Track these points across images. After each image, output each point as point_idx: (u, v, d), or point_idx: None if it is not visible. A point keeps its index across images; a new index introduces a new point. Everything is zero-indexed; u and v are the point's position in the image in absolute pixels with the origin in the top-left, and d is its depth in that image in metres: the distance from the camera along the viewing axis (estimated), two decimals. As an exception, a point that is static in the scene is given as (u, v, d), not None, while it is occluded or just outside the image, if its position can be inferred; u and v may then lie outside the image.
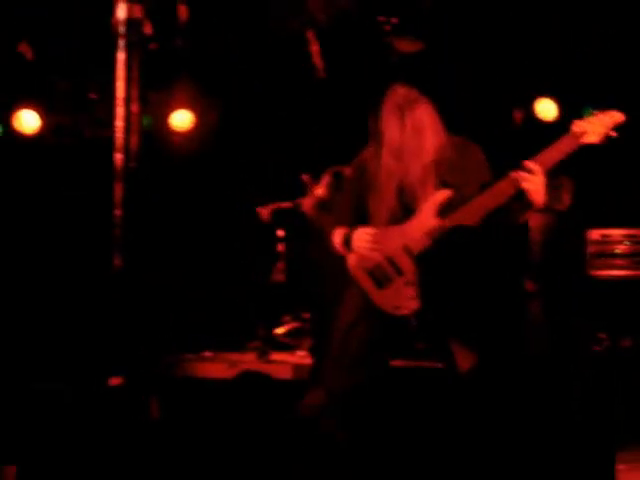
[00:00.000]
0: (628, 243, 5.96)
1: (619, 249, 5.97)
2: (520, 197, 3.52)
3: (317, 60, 6.39)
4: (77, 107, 7.36)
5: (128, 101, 2.73)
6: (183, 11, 5.93)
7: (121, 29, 2.81)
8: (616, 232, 6.02)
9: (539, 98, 7.12)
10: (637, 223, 6.13)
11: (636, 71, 6.61)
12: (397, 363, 4.86)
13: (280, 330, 6.45)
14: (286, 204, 6.13)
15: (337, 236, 3.77)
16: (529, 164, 3.46)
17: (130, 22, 2.80)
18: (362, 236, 3.64)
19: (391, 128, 3.61)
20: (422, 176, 3.59)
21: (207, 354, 6.28)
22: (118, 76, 2.77)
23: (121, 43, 2.81)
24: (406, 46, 6.37)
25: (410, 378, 5.34)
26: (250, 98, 7.27)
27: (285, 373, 5.77)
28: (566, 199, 6.37)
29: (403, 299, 3.63)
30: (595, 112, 3.53)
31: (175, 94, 7.07)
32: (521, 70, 7.03)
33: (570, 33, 6.83)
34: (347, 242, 3.71)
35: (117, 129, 2.76)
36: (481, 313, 3.81)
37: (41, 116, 7.25)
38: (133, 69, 2.81)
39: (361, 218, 3.80)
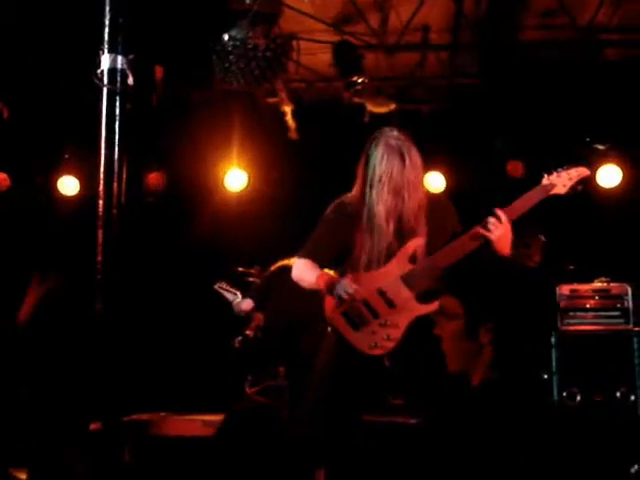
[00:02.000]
0: (597, 298, 6.05)
1: (589, 304, 6.06)
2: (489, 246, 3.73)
3: (290, 120, 6.50)
4: (52, 167, 7.44)
5: (111, 148, 2.78)
6: (159, 71, 6.02)
7: (105, 79, 2.86)
8: (585, 287, 6.12)
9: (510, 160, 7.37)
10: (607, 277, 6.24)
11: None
12: (371, 418, 4.90)
13: (253, 389, 6.44)
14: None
15: (321, 280, 3.83)
16: (498, 211, 3.66)
17: (114, 72, 2.85)
18: (347, 284, 3.72)
19: (393, 167, 3.73)
20: (416, 211, 3.73)
21: (182, 414, 6.24)
22: (101, 124, 2.82)
23: (104, 93, 2.86)
24: (377, 107, 6.52)
25: (384, 433, 5.37)
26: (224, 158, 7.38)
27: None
28: (536, 257, 6.50)
29: (378, 339, 3.72)
30: (564, 168, 3.79)
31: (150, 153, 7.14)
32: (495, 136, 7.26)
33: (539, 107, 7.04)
34: (331, 289, 3.78)
35: (100, 176, 2.80)
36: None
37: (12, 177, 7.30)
38: (115, 118, 2.86)
39: (337, 257, 3.91)
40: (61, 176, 7.49)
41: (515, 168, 7.76)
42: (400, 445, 5.16)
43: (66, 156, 7.39)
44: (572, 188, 3.79)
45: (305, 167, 7.18)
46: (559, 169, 3.82)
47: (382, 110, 6.52)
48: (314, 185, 6.88)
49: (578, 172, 3.82)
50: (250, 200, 7.49)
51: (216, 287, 6.34)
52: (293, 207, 7.14)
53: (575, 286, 6.12)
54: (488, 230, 3.68)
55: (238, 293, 6.26)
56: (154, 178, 7.74)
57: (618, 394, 5.71)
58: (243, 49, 4.74)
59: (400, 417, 5.32)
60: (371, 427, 4.96)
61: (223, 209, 7.55)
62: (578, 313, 6.02)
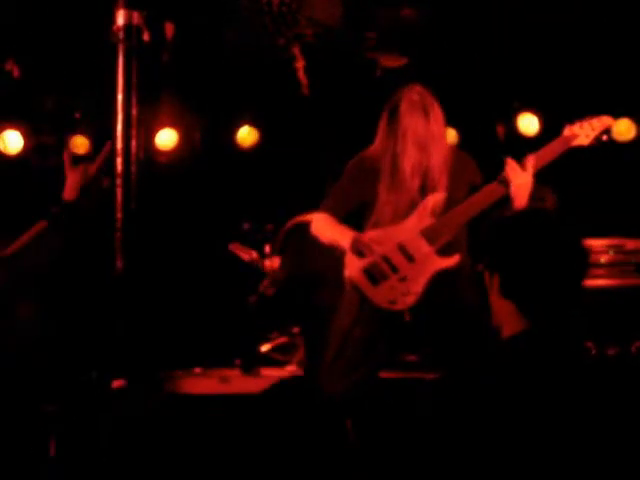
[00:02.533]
0: (612, 253, 6.04)
1: (603, 259, 6.04)
2: (501, 203, 3.73)
3: (302, 76, 6.46)
4: (62, 127, 7.39)
5: (129, 105, 2.76)
6: (169, 28, 5.98)
7: (121, 35, 2.84)
8: (598, 242, 6.10)
9: (521, 113, 7.24)
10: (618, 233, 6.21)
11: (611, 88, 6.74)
12: (387, 375, 4.91)
13: (266, 346, 6.46)
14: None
15: (342, 237, 3.82)
16: (526, 159, 3.64)
17: (130, 28, 2.83)
18: (369, 241, 3.72)
19: (417, 122, 3.75)
20: (441, 165, 3.74)
21: (197, 370, 6.25)
22: (119, 81, 2.81)
23: (121, 49, 2.84)
24: (390, 61, 6.46)
25: (399, 389, 5.39)
26: (235, 116, 7.34)
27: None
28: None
29: (398, 295, 3.71)
30: (586, 118, 3.72)
31: (160, 112, 7.09)
32: (504, 85, 7.14)
33: (551, 50, 6.93)
34: (352, 246, 3.77)
35: (117, 133, 2.79)
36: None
37: (25, 136, 7.26)
38: (132, 75, 2.85)
39: (358, 212, 3.93)
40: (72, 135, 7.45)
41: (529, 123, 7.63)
42: (415, 401, 5.18)
43: (77, 115, 7.34)
44: (596, 139, 3.74)
45: (317, 123, 7.14)
46: (581, 119, 3.76)
47: (394, 64, 6.47)
48: (326, 141, 6.85)
49: (601, 122, 3.77)
50: (262, 158, 7.46)
51: (231, 247, 6.35)
52: (306, 164, 7.11)
53: (589, 241, 6.10)
54: (507, 178, 3.66)
55: (253, 252, 6.27)
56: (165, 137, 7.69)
57: (634, 349, 5.72)
58: (257, 4, 4.70)
59: (416, 373, 5.34)
60: (387, 383, 4.99)
61: (235, 167, 7.53)
62: (592, 268, 6.02)
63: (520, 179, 3.66)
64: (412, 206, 3.78)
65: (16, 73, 6.59)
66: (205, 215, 7.38)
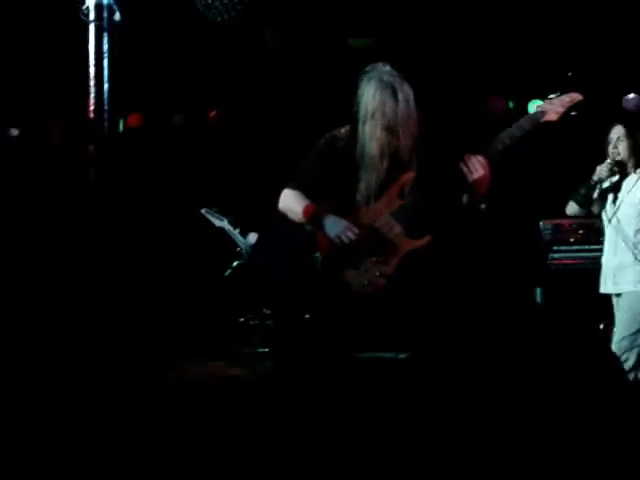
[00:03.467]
0: (582, 231, 6.11)
1: (573, 237, 6.11)
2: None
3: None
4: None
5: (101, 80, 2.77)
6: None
7: (91, 15, 2.84)
8: (568, 221, 6.16)
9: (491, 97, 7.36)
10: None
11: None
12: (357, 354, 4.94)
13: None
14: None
15: (307, 212, 3.81)
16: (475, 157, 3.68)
17: (100, 7, 2.83)
18: (343, 228, 3.71)
19: (385, 104, 3.68)
20: (410, 147, 3.72)
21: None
22: (90, 60, 2.81)
23: (92, 28, 2.84)
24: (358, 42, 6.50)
25: (370, 368, 5.43)
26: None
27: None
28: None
29: (370, 276, 3.71)
30: (556, 95, 3.76)
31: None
32: (475, 69, 7.22)
33: (519, 35, 7.00)
34: (318, 221, 3.75)
35: (90, 111, 2.79)
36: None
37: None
38: (103, 55, 2.85)
39: (327, 191, 3.88)
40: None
41: (497, 104, 7.73)
42: (387, 381, 5.21)
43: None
44: (564, 114, 3.75)
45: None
46: (550, 96, 3.79)
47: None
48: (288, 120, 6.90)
49: (571, 97, 3.78)
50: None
51: (203, 211, 6.31)
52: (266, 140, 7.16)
53: (559, 221, 6.16)
54: (469, 171, 3.68)
55: (225, 219, 6.25)
56: (134, 118, 7.76)
57: (601, 326, 5.79)
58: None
59: (386, 352, 5.38)
60: (358, 362, 5.01)
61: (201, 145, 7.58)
62: (562, 247, 6.09)
63: (477, 174, 3.66)
64: (382, 187, 3.75)
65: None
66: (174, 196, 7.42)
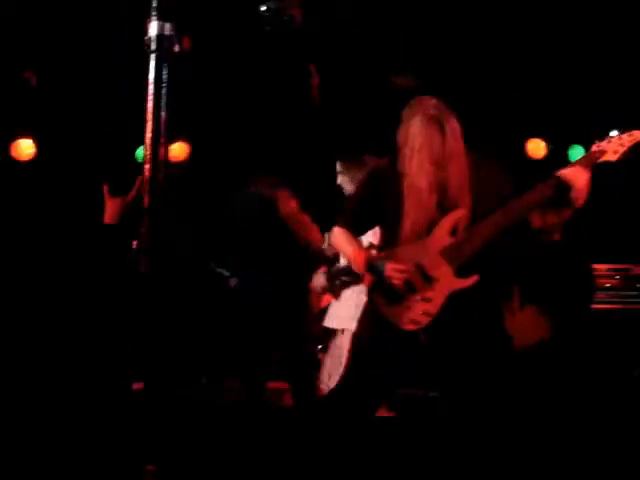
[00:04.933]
0: (618, 277, 6.09)
1: (609, 283, 6.09)
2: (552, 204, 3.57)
3: (315, 93, 6.54)
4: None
5: (158, 113, 2.82)
6: (186, 41, 6.06)
7: (152, 46, 2.90)
8: (604, 266, 6.15)
9: (530, 138, 7.35)
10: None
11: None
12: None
13: None
14: None
15: (359, 259, 3.81)
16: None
17: (161, 38, 2.89)
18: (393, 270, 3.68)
19: (432, 137, 3.65)
20: (460, 182, 3.65)
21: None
22: (149, 90, 2.87)
23: (152, 59, 2.90)
24: (403, 82, 6.54)
25: (401, 405, 5.42)
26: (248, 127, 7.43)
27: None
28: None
29: (414, 315, 3.68)
30: (616, 134, 3.63)
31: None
32: (512, 111, 7.23)
33: (558, 77, 7.01)
34: (373, 268, 3.76)
35: (147, 141, 2.85)
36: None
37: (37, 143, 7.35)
38: (161, 83, 2.91)
39: (367, 224, 3.97)
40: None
41: (536, 147, 7.68)
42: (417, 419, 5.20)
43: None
44: (624, 154, 3.59)
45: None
46: (610, 135, 3.64)
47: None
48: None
49: (632, 136, 3.62)
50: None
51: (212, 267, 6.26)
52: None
53: (595, 265, 6.16)
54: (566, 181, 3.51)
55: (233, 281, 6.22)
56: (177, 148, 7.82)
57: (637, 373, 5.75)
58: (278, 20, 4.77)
59: (418, 390, 5.37)
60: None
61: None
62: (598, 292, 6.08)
63: (582, 180, 3.51)
64: (431, 224, 3.70)
65: (34, 82, 6.66)
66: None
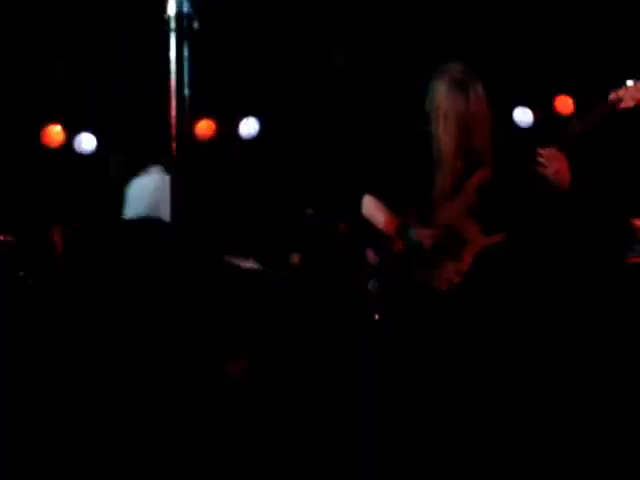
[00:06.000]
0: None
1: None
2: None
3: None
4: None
5: (181, 88, 2.82)
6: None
7: (172, 24, 2.90)
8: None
9: (558, 95, 7.29)
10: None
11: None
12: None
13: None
14: None
15: (390, 225, 3.87)
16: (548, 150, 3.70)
17: (181, 16, 2.89)
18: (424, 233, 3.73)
19: (458, 102, 3.76)
20: (486, 143, 3.75)
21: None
22: (171, 68, 2.87)
23: (172, 38, 2.90)
24: None
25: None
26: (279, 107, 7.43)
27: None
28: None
29: (447, 274, 3.78)
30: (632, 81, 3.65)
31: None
32: (540, 69, 7.17)
33: (585, 34, 6.94)
34: (403, 234, 3.81)
35: (172, 119, 2.85)
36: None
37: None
38: (184, 61, 2.91)
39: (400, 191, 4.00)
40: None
41: (564, 104, 7.67)
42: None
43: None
44: None
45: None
46: (627, 82, 3.69)
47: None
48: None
49: None
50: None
51: (226, 260, 6.24)
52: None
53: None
54: (544, 166, 3.68)
55: (248, 262, 6.19)
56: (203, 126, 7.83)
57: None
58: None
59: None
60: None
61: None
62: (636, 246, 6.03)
63: (553, 166, 3.67)
64: (458, 185, 3.81)
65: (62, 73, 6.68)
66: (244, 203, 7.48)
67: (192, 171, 2.92)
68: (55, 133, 7.39)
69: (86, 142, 7.43)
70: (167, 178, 3.01)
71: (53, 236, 6.61)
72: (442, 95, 3.78)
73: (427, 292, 3.75)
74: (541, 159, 3.65)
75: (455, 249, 3.77)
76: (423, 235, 3.74)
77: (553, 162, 3.65)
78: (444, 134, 3.77)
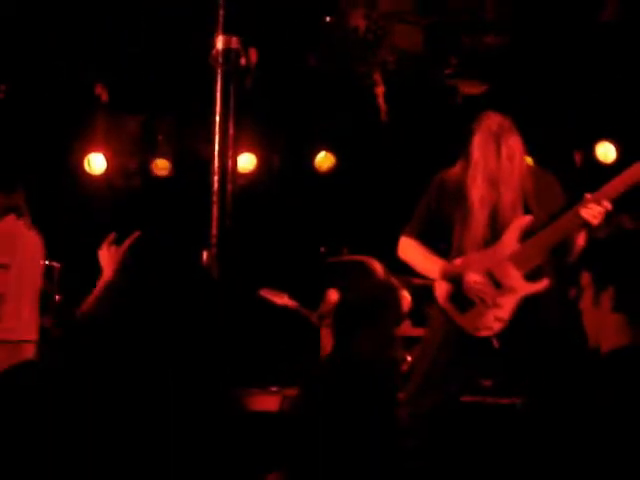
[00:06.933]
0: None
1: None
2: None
3: (381, 102, 6.53)
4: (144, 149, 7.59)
5: (226, 125, 2.86)
6: (253, 53, 6.10)
7: (219, 60, 2.95)
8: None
9: (599, 141, 7.22)
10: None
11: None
12: (465, 399, 4.90)
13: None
14: None
15: (443, 272, 3.83)
16: (596, 195, 3.62)
17: (228, 53, 2.94)
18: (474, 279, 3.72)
19: (488, 155, 3.73)
20: (513, 202, 3.72)
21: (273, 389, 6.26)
22: (217, 103, 2.92)
23: (219, 73, 2.95)
24: (471, 88, 6.50)
25: (476, 413, 5.36)
26: (314, 140, 7.44)
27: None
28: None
29: (486, 321, 3.72)
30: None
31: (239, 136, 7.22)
32: (582, 114, 7.12)
33: (630, 79, 6.90)
34: (453, 278, 3.79)
35: (216, 153, 2.89)
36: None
37: (108, 158, 7.45)
38: (230, 97, 2.95)
39: (434, 232, 3.94)
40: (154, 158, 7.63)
41: (606, 152, 7.57)
42: (490, 426, 5.15)
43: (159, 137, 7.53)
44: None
45: (396, 150, 7.18)
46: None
47: (474, 92, 6.51)
48: (405, 168, 6.89)
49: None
50: (340, 182, 7.52)
51: (262, 293, 6.17)
52: (382, 190, 7.15)
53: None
54: (590, 215, 3.61)
55: (285, 296, 6.13)
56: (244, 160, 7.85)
57: None
58: (343, 30, 4.79)
59: (491, 398, 5.33)
60: (466, 407, 4.97)
61: (313, 191, 7.61)
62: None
63: (597, 219, 3.61)
64: (482, 241, 3.76)
65: (104, 97, 6.77)
66: (283, 238, 7.46)
67: (231, 204, 2.95)
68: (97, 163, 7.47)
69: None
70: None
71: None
72: (475, 144, 3.75)
73: (465, 337, 3.67)
74: (589, 209, 3.56)
75: (496, 296, 3.70)
76: (473, 281, 3.69)
77: (598, 217, 3.56)
78: (471, 183, 3.74)
